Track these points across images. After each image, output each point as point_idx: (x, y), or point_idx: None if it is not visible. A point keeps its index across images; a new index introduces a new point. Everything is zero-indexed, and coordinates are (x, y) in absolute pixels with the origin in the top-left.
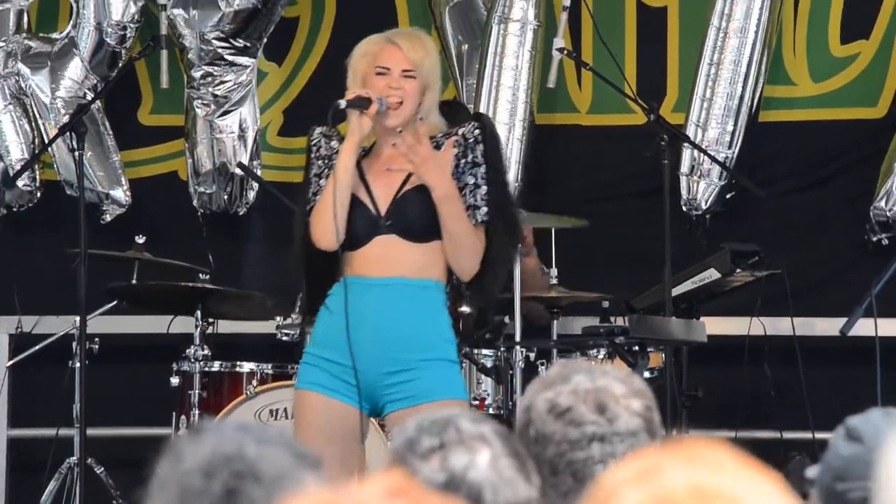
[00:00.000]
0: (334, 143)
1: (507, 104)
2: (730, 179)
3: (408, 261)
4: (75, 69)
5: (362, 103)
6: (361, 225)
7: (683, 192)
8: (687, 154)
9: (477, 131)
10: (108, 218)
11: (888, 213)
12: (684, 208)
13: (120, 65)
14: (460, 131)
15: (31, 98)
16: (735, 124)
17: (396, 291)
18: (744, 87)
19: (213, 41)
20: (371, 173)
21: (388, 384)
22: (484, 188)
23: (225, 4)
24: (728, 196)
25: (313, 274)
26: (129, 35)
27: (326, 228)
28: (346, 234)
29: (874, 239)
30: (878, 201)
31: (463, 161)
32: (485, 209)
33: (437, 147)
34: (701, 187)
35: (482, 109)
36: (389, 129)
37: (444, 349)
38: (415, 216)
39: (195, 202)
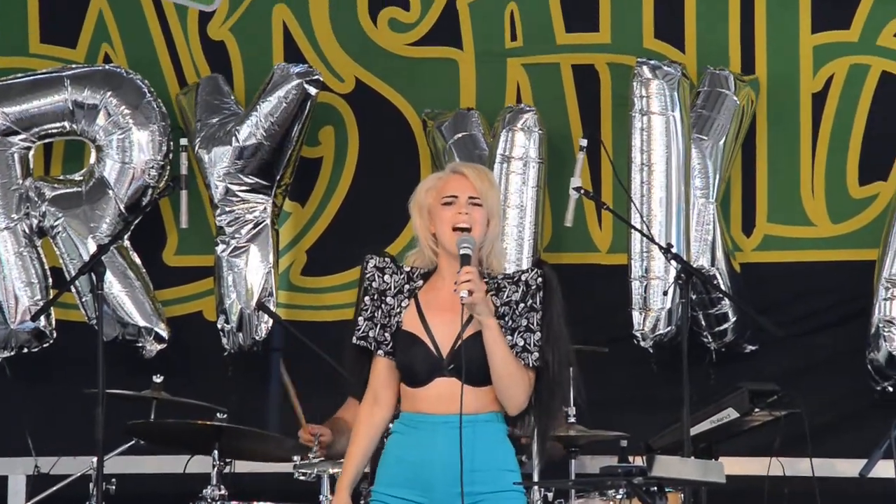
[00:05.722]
0: (387, 278)
1: (514, 242)
2: (741, 317)
3: (468, 400)
4: (110, 207)
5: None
6: (422, 365)
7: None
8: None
9: (539, 279)
10: (147, 355)
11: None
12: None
13: (144, 202)
14: (523, 277)
15: (63, 235)
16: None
17: (465, 428)
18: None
19: (225, 178)
20: (429, 308)
21: None
22: (538, 334)
23: (234, 140)
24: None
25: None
26: (157, 170)
27: None
28: (406, 370)
29: (878, 388)
30: (870, 352)
31: (521, 305)
32: (536, 354)
33: (499, 289)
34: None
35: None
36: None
37: (509, 480)
38: (477, 365)
39: (224, 341)
